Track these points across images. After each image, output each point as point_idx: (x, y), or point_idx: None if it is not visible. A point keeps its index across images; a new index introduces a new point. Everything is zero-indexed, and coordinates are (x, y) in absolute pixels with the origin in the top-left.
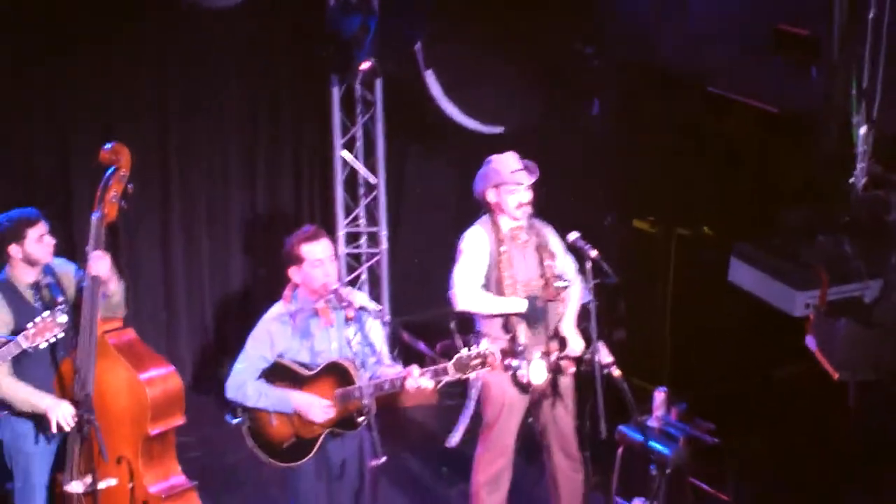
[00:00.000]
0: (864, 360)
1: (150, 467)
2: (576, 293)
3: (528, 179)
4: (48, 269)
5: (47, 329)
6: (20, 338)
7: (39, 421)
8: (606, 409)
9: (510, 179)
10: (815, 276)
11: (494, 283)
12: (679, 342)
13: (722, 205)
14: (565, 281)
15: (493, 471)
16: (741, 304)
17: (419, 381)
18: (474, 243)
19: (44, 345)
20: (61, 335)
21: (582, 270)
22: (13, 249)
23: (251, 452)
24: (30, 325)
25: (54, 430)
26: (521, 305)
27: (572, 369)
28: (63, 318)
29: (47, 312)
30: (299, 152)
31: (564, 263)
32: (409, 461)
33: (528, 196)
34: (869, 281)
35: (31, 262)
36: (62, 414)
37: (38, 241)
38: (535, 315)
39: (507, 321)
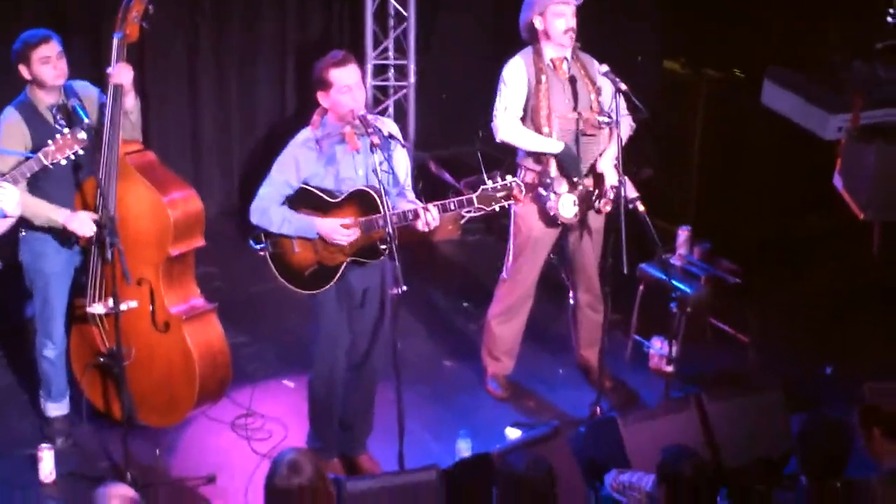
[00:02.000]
0: (892, 194)
1: (171, 288)
2: (623, 132)
3: (575, 2)
4: (71, 92)
5: (67, 146)
6: (40, 154)
7: (58, 241)
8: (629, 246)
9: (551, 1)
10: (849, 98)
11: (531, 113)
12: (705, 184)
13: (753, 47)
14: (607, 117)
15: (508, 302)
16: (770, 148)
17: (427, 217)
18: (514, 73)
19: (63, 162)
20: (81, 153)
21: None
22: (23, 70)
23: (273, 282)
24: (50, 141)
25: (87, 233)
26: (556, 147)
27: (608, 208)
28: (83, 135)
29: (67, 129)
30: None
31: (613, 99)
32: (431, 294)
33: (573, 21)
34: None
35: (38, 83)
36: (81, 223)
37: (43, 63)
38: (569, 160)
39: (539, 153)
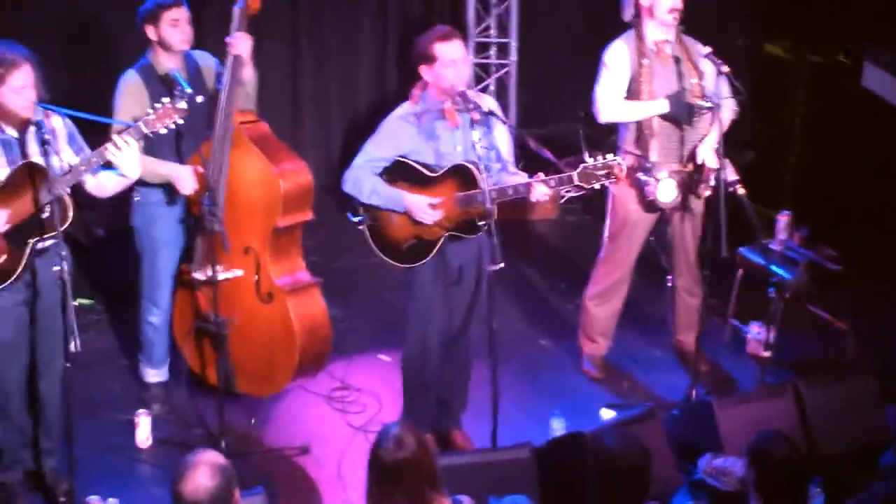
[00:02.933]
0: None
1: (277, 260)
2: (725, 116)
3: None
4: (190, 59)
5: (167, 115)
6: (140, 123)
7: (170, 208)
8: (728, 229)
9: None
10: None
11: (633, 97)
12: (806, 169)
13: (857, 31)
14: (709, 101)
15: (606, 283)
16: (871, 133)
17: (543, 190)
18: (616, 57)
19: (163, 131)
20: (181, 122)
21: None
22: (150, 31)
23: (370, 256)
24: (150, 110)
25: (187, 191)
26: (663, 106)
27: (707, 192)
28: (183, 105)
29: (167, 99)
30: None
31: (715, 83)
32: (528, 272)
33: (680, 2)
34: None
35: (165, 46)
36: (184, 180)
37: (173, 26)
38: (682, 111)
39: (640, 135)
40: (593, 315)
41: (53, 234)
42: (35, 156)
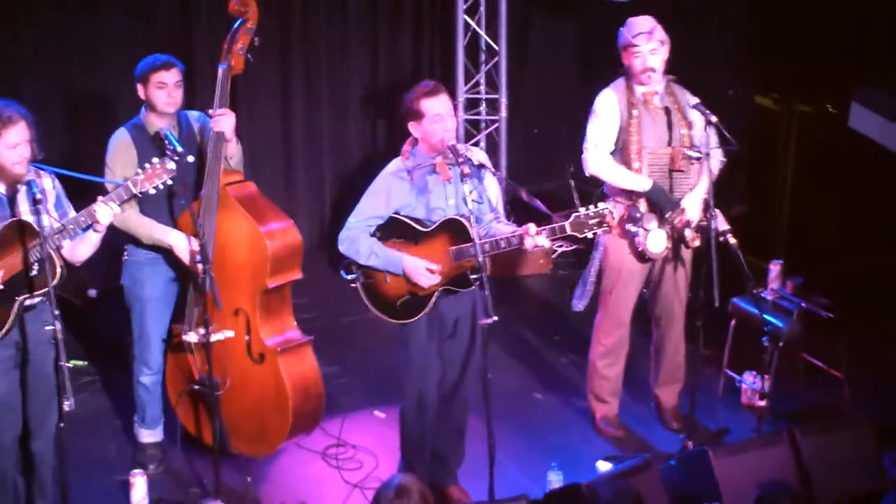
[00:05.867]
0: None
1: (267, 320)
2: (714, 166)
3: (645, 43)
4: (184, 119)
5: (156, 175)
6: (129, 182)
7: (158, 268)
8: (720, 280)
9: (630, 41)
10: None
11: (621, 148)
12: (798, 220)
13: (846, 82)
14: (697, 152)
15: (610, 342)
16: (862, 182)
17: (536, 238)
18: (605, 104)
19: (152, 191)
20: (170, 182)
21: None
22: (140, 90)
23: (363, 313)
24: (139, 170)
25: (185, 259)
26: (645, 184)
27: (697, 242)
28: (172, 165)
29: (157, 159)
30: (420, 16)
31: (704, 133)
32: (521, 327)
33: (654, 61)
34: None
35: (150, 106)
36: (185, 247)
37: (159, 88)
38: (659, 197)
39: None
40: (604, 376)
41: (42, 291)
42: (25, 214)
